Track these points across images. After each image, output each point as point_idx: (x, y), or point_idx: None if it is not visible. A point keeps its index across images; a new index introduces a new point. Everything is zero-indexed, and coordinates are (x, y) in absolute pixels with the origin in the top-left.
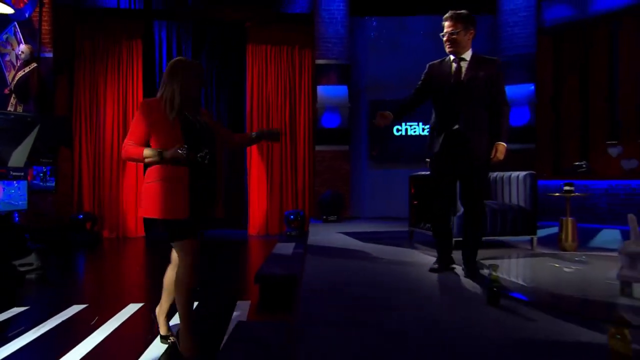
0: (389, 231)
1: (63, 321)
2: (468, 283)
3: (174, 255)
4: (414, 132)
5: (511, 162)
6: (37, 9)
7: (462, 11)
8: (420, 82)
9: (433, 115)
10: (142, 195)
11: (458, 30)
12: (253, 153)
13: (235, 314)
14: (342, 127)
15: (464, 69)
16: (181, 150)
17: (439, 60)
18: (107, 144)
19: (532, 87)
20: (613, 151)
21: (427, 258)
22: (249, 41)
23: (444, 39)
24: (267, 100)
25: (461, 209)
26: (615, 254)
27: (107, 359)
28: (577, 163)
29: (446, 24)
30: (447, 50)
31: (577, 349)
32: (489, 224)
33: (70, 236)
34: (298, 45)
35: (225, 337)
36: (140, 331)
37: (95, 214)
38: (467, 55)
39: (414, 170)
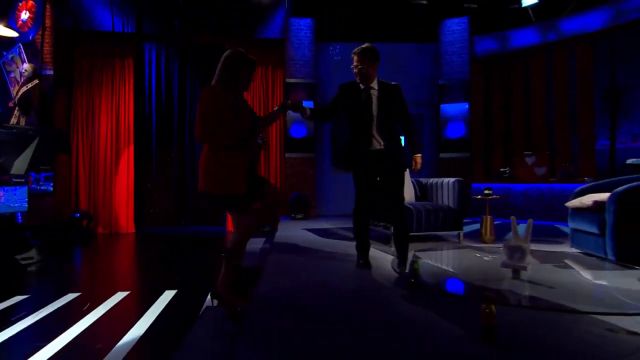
0: (345, 227)
1: (59, 307)
2: (389, 273)
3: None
4: None
5: (452, 168)
6: (40, 32)
7: (367, 46)
8: (333, 100)
9: (350, 132)
10: (213, 173)
11: (366, 64)
12: None
13: (207, 300)
14: (308, 137)
15: (374, 97)
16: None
17: (349, 82)
18: (102, 151)
19: (467, 106)
20: (529, 160)
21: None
22: None
23: (355, 71)
24: None
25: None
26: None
27: (95, 339)
28: (502, 169)
29: (355, 58)
30: (357, 80)
31: (454, 323)
32: (425, 221)
33: (68, 233)
34: (271, 66)
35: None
36: (125, 315)
37: (91, 213)
38: (375, 83)
39: None
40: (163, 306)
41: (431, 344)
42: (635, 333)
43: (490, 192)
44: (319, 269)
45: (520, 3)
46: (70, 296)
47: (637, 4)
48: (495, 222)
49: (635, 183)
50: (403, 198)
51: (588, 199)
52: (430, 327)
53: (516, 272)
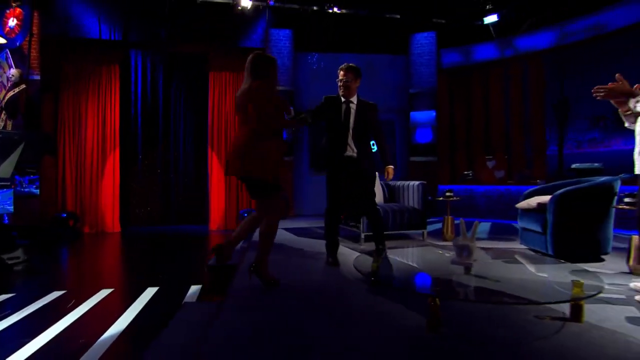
0: (320, 226)
1: (43, 305)
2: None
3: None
4: None
5: (421, 171)
6: (27, 39)
7: (353, 65)
8: (318, 107)
9: (325, 139)
10: (260, 160)
11: (350, 79)
12: (214, 160)
13: (187, 295)
14: (287, 142)
15: (352, 112)
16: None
17: (333, 95)
18: (88, 153)
19: (434, 114)
20: (489, 164)
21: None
22: (210, 69)
23: (339, 84)
24: (227, 118)
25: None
26: (478, 243)
27: (78, 336)
28: (465, 172)
29: (341, 72)
30: (340, 92)
31: (406, 314)
32: (392, 220)
33: (54, 232)
34: None
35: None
36: (108, 312)
37: (77, 213)
38: (354, 99)
39: None
40: (145, 303)
41: (384, 332)
42: (557, 318)
43: (452, 194)
44: (291, 266)
45: (482, 20)
46: (56, 294)
47: (579, 27)
48: (458, 221)
49: (571, 187)
50: (374, 199)
51: (533, 201)
52: (385, 317)
53: (467, 268)
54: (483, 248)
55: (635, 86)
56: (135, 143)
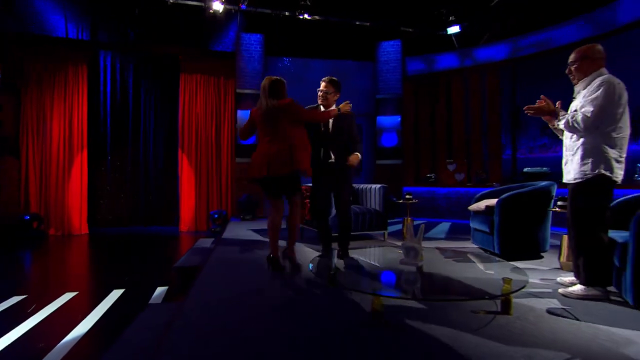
0: (283, 228)
1: (1, 311)
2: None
3: (279, 205)
4: None
5: (386, 173)
6: None
7: (335, 78)
8: None
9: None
10: (299, 156)
11: (330, 92)
12: (184, 162)
13: (153, 297)
14: (256, 144)
15: (331, 120)
16: None
17: (314, 105)
18: (54, 154)
19: (399, 118)
20: (450, 167)
21: (307, 249)
22: (181, 71)
23: (320, 94)
24: (197, 120)
25: (333, 212)
26: (435, 243)
27: (37, 340)
28: (428, 175)
29: (323, 84)
30: (319, 102)
31: (356, 310)
32: (355, 222)
33: (17, 235)
34: (223, 77)
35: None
36: (70, 315)
37: (42, 215)
38: (333, 107)
39: None
40: (109, 305)
41: (333, 326)
42: (490, 312)
43: (411, 196)
44: (255, 267)
45: (446, 31)
46: (15, 299)
47: (529, 42)
48: (421, 222)
49: (515, 191)
50: (349, 202)
51: (482, 204)
52: (337, 313)
53: (415, 267)
54: (438, 248)
55: (557, 104)
56: (104, 144)
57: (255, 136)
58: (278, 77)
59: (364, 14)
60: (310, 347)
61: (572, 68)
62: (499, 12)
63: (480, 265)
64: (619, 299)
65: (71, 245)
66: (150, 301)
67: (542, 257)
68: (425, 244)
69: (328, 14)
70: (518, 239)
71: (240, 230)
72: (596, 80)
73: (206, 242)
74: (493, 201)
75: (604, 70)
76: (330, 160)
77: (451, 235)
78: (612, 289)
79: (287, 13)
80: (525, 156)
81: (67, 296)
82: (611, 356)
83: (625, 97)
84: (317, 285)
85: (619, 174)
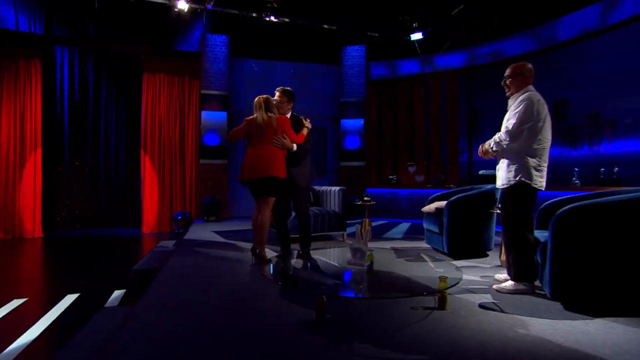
0: (248, 229)
1: None
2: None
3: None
4: None
5: (350, 175)
6: None
7: (289, 89)
8: None
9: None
10: (280, 165)
11: (283, 102)
12: (147, 162)
13: (109, 300)
14: (221, 145)
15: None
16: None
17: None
18: (3, 154)
19: (362, 122)
20: (411, 169)
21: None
22: (144, 70)
23: (274, 103)
24: (160, 120)
25: (293, 214)
26: (392, 242)
27: None
28: (390, 177)
29: (277, 93)
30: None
31: (294, 311)
32: (314, 223)
33: None
34: (188, 77)
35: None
36: (18, 322)
37: None
38: (288, 115)
39: None
40: (61, 310)
41: (280, 325)
42: (428, 308)
43: (369, 198)
44: (211, 269)
45: (409, 37)
46: None
47: (483, 52)
48: (383, 222)
49: (462, 194)
50: (305, 206)
51: (433, 206)
52: (285, 312)
53: (364, 267)
54: (393, 247)
55: (485, 144)
56: (62, 143)
57: (219, 137)
58: (268, 96)
59: (330, 18)
60: (256, 348)
61: (507, 82)
62: (459, 21)
63: (426, 264)
64: (542, 292)
65: (22, 250)
66: (106, 305)
67: (487, 255)
68: (382, 243)
69: (294, 17)
70: (465, 238)
71: (203, 232)
72: (522, 96)
73: (168, 244)
74: (442, 203)
75: (530, 87)
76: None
77: (409, 235)
78: (538, 283)
79: (254, 14)
80: (481, 159)
81: (15, 303)
82: (521, 341)
83: (544, 112)
84: (270, 285)
85: (538, 181)
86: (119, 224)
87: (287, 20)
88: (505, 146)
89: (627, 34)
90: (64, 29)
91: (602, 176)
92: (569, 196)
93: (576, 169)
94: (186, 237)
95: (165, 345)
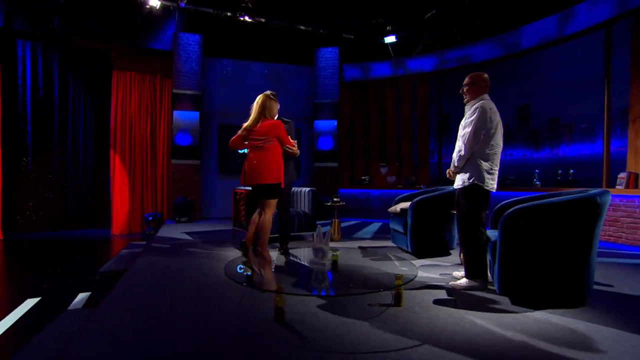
0: (220, 230)
1: None
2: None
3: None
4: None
5: (324, 176)
6: None
7: (275, 94)
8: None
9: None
10: (272, 171)
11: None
12: (117, 162)
13: (73, 303)
14: (194, 145)
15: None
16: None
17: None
18: None
19: (335, 123)
20: (383, 170)
21: (235, 252)
22: (114, 68)
23: None
24: (131, 119)
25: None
26: (361, 242)
27: None
28: (363, 177)
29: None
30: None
31: (255, 310)
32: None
33: None
34: (159, 76)
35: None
36: None
37: None
38: (274, 118)
39: None
40: (19, 315)
41: (239, 324)
42: (384, 305)
43: (338, 199)
44: (179, 269)
45: (383, 40)
46: None
47: (452, 56)
48: (355, 222)
49: (425, 195)
50: (287, 205)
51: (398, 207)
52: (244, 312)
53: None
54: (360, 247)
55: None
56: (24, 142)
57: (191, 137)
58: (266, 98)
59: (305, 19)
60: (214, 346)
61: (465, 90)
62: (432, 25)
63: (387, 263)
64: (494, 288)
65: None
66: (69, 308)
67: (450, 254)
68: (350, 243)
69: (269, 17)
70: (428, 238)
71: (173, 233)
72: (477, 104)
73: (137, 246)
74: (407, 204)
75: (485, 96)
76: None
77: (378, 235)
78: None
79: (228, 14)
80: (449, 161)
81: None
82: (466, 333)
83: (496, 119)
84: (235, 285)
85: (489, 183)
86: (88, 225)
87: (262, 20)
88: (469, 155)
89: (582, 45)
90: (26, 22)
91: (559, 178)
92: (520, 197)
93: (537, 171)
94: (156, 238)
95: (126, 348)
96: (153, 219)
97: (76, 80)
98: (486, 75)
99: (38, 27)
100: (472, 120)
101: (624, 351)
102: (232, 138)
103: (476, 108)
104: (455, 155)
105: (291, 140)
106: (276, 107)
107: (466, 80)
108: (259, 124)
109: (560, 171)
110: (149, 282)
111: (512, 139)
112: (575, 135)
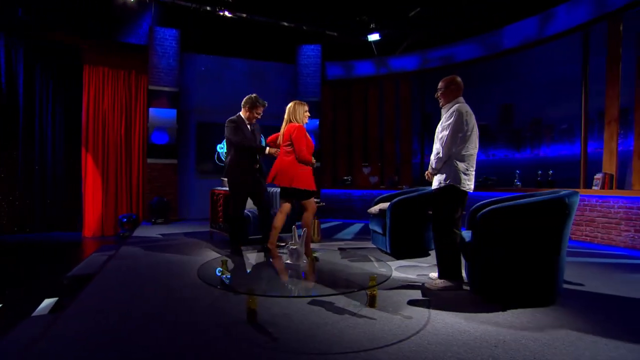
0: (197, 232)
1: None
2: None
3: (285, 206)
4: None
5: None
6: None
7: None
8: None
9: (233, 153)
10: (301, 176)
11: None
12: (89, 162)
13: (38, 309)
14: (170, 144)
15: (256, 131)
16: None
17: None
18: None
19: (317, 122)
20: (365, 170)
21: (211, 254)
22: (85, 62)
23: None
24: (104, 116)
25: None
26: (341, 243)
27: None
28: (345, 177)
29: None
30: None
31: (228, 312)
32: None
33: None
34: (134, 71)
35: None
36: None
37: None
38: (256, 122)
39: None
40: None
41: (210, 326)
42: (359, 305)
43: (318, 199)
44: (153, 272)
45: (367, 37)
46: None
47: (435, 56)
48: (336, 223)
49: (404, 196)
50: (269, 204)
51: (377, 207)
52: (219, 313)
53: (301, 267)
54: (340, 248)
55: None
56: None
57: (168, 135)
58: (296, 103)
59: (287, 16)
60: (185, 348)
61: (439, 94)
62: (415, 24)
63: (364, 264)
64: (467, 287)
65: None
66: (34, 314)
67: (429, 254)
68: (331, 244)
69: (249, 13)
70: (407, 239)
71: (148, 235)
72: (452, 107)
73: (109, 248)
74: (386, 205)
75: (460, 99)
76: (256, 167)
77: (359, 236)
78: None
79: (208, 8)
80: None
81: None
82: (437, 333)
83: (472, 122)
84: (209, 287)
85: (466, 184)
86: (58, 227)
87: (243, 15)
88: (446, 158)
89: (562, 46)
90: None
91: (539, 178)
92: (497, 198)
93: (517, 171)
94: (130, 240)
95: (93, 353)
96: (128, 221)
97: (44, 76)
98: (459, 79)
99: (1, 16)
100: (449, 124)
101: (586, 347)
102: (270, 137)
103: (453, 112)
104: (433, 158)
105: (304, 148)
106: (301, 109)
107: (440, 84)
108: (285, 128)
109: (540, 172)
110: (120, 286)
111: (495, 139)
112: (555, 135)
